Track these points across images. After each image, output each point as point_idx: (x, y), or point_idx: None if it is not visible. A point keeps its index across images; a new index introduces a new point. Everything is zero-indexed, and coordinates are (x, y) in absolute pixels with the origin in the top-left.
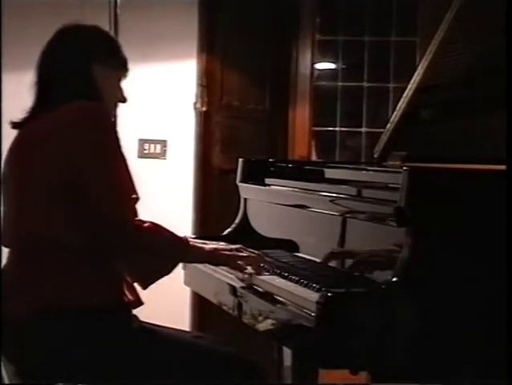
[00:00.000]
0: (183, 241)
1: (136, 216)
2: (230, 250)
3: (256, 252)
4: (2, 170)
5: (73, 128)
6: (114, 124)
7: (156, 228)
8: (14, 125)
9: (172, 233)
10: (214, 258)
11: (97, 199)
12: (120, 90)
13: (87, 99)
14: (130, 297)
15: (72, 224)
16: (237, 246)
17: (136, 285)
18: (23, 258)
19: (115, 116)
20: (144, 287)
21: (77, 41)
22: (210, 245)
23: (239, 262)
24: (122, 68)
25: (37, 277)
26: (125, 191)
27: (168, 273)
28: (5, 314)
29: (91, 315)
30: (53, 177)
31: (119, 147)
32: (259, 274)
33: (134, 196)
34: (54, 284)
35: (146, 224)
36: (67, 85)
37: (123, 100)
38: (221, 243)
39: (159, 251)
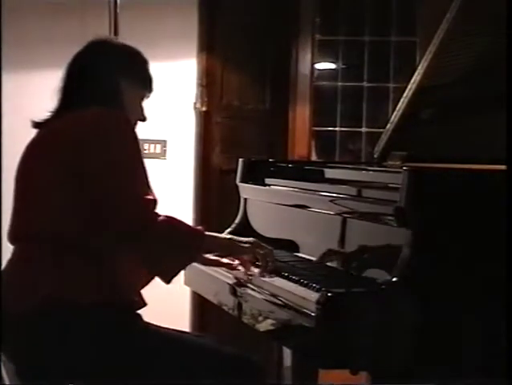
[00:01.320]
0: (199, 231)
1: (156, 214)
2: (246, 242)
3: (269, 247)
4: (18, 167)
5: (92, 130)
6: (134, 131)
7: (171, 220)
8: (36, 125)
9: (187, 225)
10: (231, 248)
11: (113, 198)
12: (141, 109)
13: (110, 107)
14: (135, 298)
15: (85, 223)
16: (251, 239)
17: (157, 279)
18: (29, 255)
19: None
20: (168, 281)
21: (108, 53)
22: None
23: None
24: (147, 88)
25: (42, 275)
26: (140, 189)
27: (188, 263)
28: (6, 309)
29: (95, 314)
30: (68, 177)
31: (137, 151)
32: (269, 273)
33: (151, 197)
34: (59, 282)
35: (161, 218)
36: (92, 92)
37: (143, 119)
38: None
39: (176, 241)
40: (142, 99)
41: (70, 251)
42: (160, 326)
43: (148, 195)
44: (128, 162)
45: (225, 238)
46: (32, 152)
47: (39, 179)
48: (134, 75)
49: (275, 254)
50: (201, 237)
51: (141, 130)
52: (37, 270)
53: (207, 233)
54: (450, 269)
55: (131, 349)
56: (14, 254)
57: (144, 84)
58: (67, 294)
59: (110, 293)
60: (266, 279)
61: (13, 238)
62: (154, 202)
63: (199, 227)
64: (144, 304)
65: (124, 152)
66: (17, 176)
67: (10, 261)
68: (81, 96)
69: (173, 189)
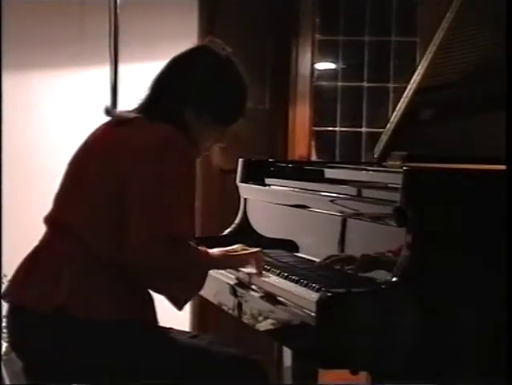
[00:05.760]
0: (204, 253)
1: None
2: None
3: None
4: (75, 154)
5: (152, 147)
6: (192, 161)
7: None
8: (108, 113)
9: (193, 249)
10: (233, 262)
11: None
12: (217, 137)
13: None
14: (147, 316)
15: (111, 235)
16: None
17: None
18: (55, 245)
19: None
20: (180, 308)
21: (194, 65)
22: (219, 251)
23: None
24: (219, 125)
25: (60, 281)
26: (176, 224)
27: (200, 289)
28: (20, 301)
29: (107, 326)
30: (112, 183)
31: (188, 180)
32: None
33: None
34: (75, 290)
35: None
36: (159, 105)
37: (221, 143)
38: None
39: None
40: (219, 131)
41: (96, 261)
42: (160, 326)
43: (185, 229)
44: (175, 193)
45: (224, 254)
46: (91, 146)
47: (87, 176)
48: (208, 107)
49: (275, 254)
50: (208, 261)
51: None
52: (57, 271)
53: (210, 252)
54: (450, 269)
55: (136, 348)
56: (41, 241)
57: (219, 122)
58: (83, 305)
59: (126, 310)
60: (264, 277)
61: (46, 220)
62: (187, 235)
63: (203, 248)
64: (156, 322)
65: (175, 179)
66: (71, 161)
67: (36, 248)
68: (148, 105)
69: None
